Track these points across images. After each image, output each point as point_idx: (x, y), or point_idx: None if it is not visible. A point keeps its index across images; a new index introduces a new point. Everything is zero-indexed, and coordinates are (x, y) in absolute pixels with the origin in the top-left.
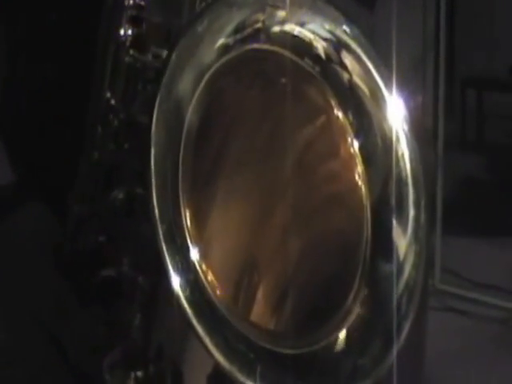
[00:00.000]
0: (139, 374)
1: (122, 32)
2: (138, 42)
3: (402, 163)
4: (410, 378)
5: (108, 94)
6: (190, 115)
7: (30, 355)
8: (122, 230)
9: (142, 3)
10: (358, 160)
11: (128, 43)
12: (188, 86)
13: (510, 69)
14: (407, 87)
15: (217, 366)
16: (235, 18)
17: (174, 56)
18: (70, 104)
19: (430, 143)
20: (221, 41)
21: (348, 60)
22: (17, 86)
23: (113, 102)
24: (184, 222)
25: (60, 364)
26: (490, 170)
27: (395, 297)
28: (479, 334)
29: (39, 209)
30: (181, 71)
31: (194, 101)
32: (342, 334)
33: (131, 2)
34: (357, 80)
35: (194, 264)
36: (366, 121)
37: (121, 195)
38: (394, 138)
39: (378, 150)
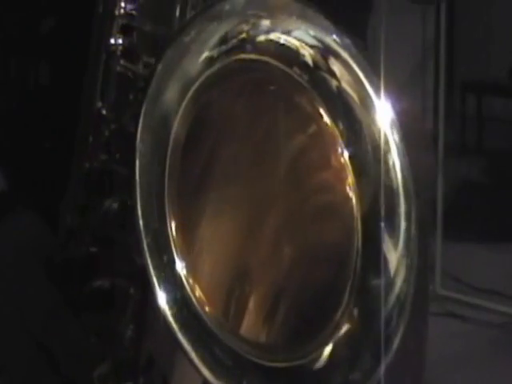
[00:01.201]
0: None
1: (112, 41)
2: (128, 51)
3: (392, 174)
4: (411, 382)
5: (99, 104)
6: (177, 126)
7: (20, 366)
8: (113, 240)
9: (133, 12)
10: (349, 170)
11: (119, 52)
12: (174, 97)
13: (509, 73)
14: (405, 93)
15: (205, 381)
16: (219, 30)
17: (160, 67)
18: (61, 113)
19: (430, 148)
20: (205, 54)
21: (336, 67)
22: (8, 94)
23: (104, 111)
24: (170, 234)
25: (50, 375)
26: (490, 175)
27: (383, 310)
28: (479, 338)
29: (31, 218)
30: (167, 82)
31: (180, 112)
32: (332, 348)
33: (122, 11)
34: (346, 87)
35: (181, 279)
36: (356, 128)
37: (112, 205)
38: (382, 143)
39: (368, 160)
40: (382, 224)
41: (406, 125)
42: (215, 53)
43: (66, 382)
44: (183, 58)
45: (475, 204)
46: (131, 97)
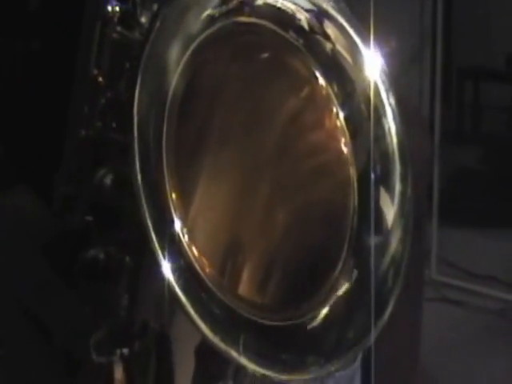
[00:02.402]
0: (125, 350)
1: (109, 8)
2: (125, 18)
3: (388, 138)
4: (406, 368)
5: (94, 72)
6: (174, 86)
7: (14, 337)
8: (108, 209)
9: None
10: (344, 130)
11: (115, 19)
12: (173, 56)
13: (507, 60)
14: (402, 78)
15: (203, 340)
16: None
17: (158, 24)
18: (56, 81)
19: (426, 135)
20: (207, 12)
21: (330, 30)
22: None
23: (99, 79)
24: (169, 195)
25: (45, 345)
26: (487, 161)
27: (374, 265)
28: (475, 324)
29: (24, 189)
30: (165, 40)
31: (178, 71)
32: (328, 307)
33: None
34: (340, 49)
35: (180, 240)
36: (351, 89)
37: (107, 174)
38: (372, 100)
39: (363, 121)
40: (374, 175)
41: (404, 111)
42: (216, 12)
43: (62, 352)
44: (184, 17)
45: (471, 190)
46: (128, 64)
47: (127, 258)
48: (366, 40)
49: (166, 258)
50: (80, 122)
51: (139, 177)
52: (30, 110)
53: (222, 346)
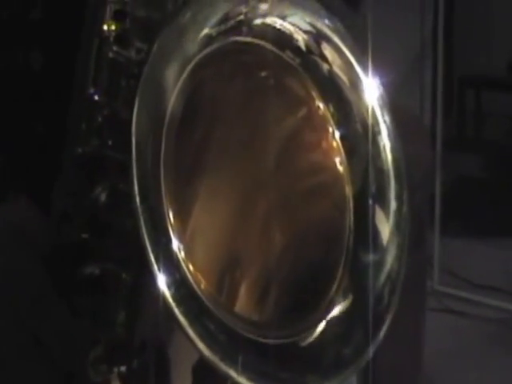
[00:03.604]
0: (122, 368)
1: (105, 27)
2: (121, 37)
3: (383, 155)
4: (408, 378)
5: (91, 90)
6: (172, 106)
7: (9, 352)
8: (105, 226)
9: None
10: (340, 150)
11: (112, 38)
12: (171, 76)
13: (508, 67)
14: (403, 88)
15: (201, 359)
16: (219, 10)
17: (156, 46)
18: (54, 99)
19: (428, 143)
20: (205, 31)
21: (328, 51)
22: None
23: (96, 97)
24: (166, 214)
25: (41, 360)
26: (489, 170)
27: (372, 284)
28: (477, 334)
29: (23, 204)
30: (164, 61)
31: (176, 91)
32: (325, 324)
33: None
34: (337, 70)
35: (177, 259)
36: (347, 110)
37: (104, 191)
38: (370, 120)
39: (359, 140)
40: (370, 194)
41: (404, 119)
42: (214, 32)
43: (59, 368)
44: (181, 38)
45: (473, 199)
46: (124, 83)
47: (124, 275)
48: (362, 61)
49: (163, 273)
50: (77, 139)
51: (138, 199)
52: (27, 127)
53: (221, 365)
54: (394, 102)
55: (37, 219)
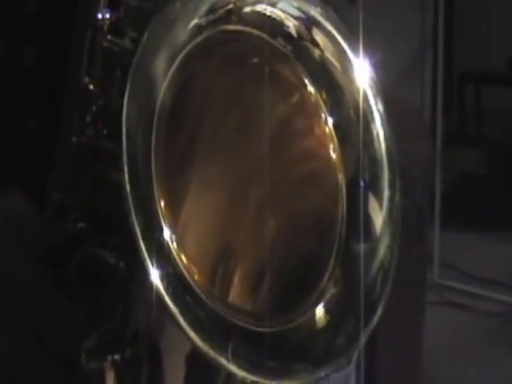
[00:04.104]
0: (116, 357)
1: (99, 16)
2: (115, 26)
3: (376, 144)
4: (408, 372)
5: (86, 80)
6: (163, 96)
7: (5, 342)
8: (101, 215)
9: None
10: (333, 137)
11: (106, 28)
12: (161, 66)
13: (508, 63)
14: (403, 83)
15: (193, 348)
16: (208, 0)
17: (146, 35)
18: (48, 89)
19: (428, 138)
20: (194, 21)
21: (319, 37)
22: None
23: (91, 87)
24: (158, 204)
25: (35, 349)
26: (489, 165)
27: (363, 272)
28: (477, 327)
29: (17, 196)
30: (154, 51)
31: (166, 82)
32: (317, 313)
33: None
34: (328, 56)
35: (169, 249)
36: (339, 96)
37: (99, 181)
38: (361, 107)
39: (352, 127)
40: (363, 181)
41: (405, 115)
42: (203, 21)
43: (53, 357)
44: (171, 27)
45: (473, 194)
46: (118, 72)
47: (121, 264)
48: (354, 47)
49: (155, 265)
50: (72, 129)
51: (128, 186)
52: (21, 117)
53: (211, 353)
54: (393, 97)
55: (32, 211)
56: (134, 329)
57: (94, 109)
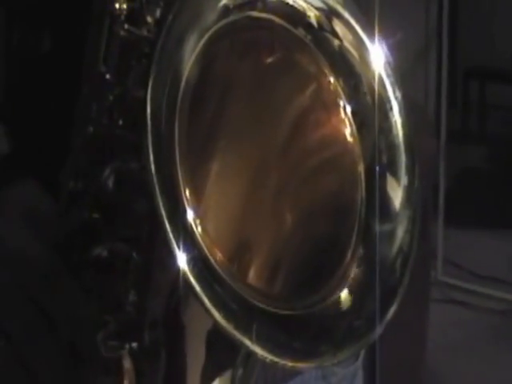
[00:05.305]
0: (134, 345)
1: (117, 5)
2: (133, 15)
3: (394, 131)
4: (412, 367)
5: (103, 68)
6: (187, 76)
7: (19, 330)
8: (115, 206)
9: None
10: (351, 123)
11: (123, 17)
12: (188, 45)
13: None
14: (408, 79)
15: (212, 329)
16: None
17: (171, 15)
18: (64, 78)
19: (432, 135)
20: (223, 2)
21: (339, 27)
22: (9, 58)
23: (108, 76)
24: (182, 190)
25: (50, 339)
26: (493, 161)
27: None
28: (480, 325)
29: (32, 184)
30: (181, 30)
31: (191, 61)
32: (340, 295)
33: None
34: (347, 45)
35: (194, 232)
36: (357, 83)
37: (115, 171)
38: (376, 93)
39: (369, 114)
40: (380, 163)
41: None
42: (231, 3)
43: (68, 347)
44: (200, 8)
45: (477, 191)
46: (135, 61)
47: (134, 254)
48: (371, 36)
49: (181, 248)
50: (87, 119)
51: (153, 168)
52: (36, 106)
53: (235, 333)
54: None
55: (47, 200)
56: (152, 315)
57: (110, 98)
